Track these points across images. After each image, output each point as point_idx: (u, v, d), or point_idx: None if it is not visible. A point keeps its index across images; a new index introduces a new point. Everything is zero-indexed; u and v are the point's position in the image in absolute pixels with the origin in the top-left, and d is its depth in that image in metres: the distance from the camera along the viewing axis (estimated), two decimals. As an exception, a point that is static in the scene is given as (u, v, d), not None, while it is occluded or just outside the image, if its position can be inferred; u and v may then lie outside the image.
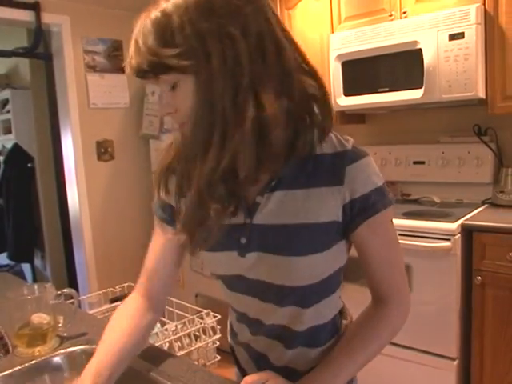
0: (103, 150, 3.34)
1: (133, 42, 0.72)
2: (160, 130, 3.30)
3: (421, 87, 2.24)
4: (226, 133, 0.68)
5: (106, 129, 3.35)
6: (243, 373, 0.98)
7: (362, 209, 0.76)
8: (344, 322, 0.92)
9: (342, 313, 0.93)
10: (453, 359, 2.06)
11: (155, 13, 0.69)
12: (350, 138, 0.80)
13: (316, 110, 0.75)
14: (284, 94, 0.71)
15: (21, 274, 4.38)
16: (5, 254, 4.30)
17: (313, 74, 0.76)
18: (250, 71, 0.68)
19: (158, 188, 0.85)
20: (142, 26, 0.70)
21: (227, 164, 0.69)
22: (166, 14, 0.68)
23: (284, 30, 0.73)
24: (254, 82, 0.68)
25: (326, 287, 0.85)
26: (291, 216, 0.77)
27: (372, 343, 0.83)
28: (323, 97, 0.76)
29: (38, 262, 4.29)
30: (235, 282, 0.87)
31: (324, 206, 0.76)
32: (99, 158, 3.33)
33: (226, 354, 1.66)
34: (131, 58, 0.72)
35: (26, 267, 4.46)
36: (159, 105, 0.77)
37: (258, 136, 0.69)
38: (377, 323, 0.84)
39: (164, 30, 0.68)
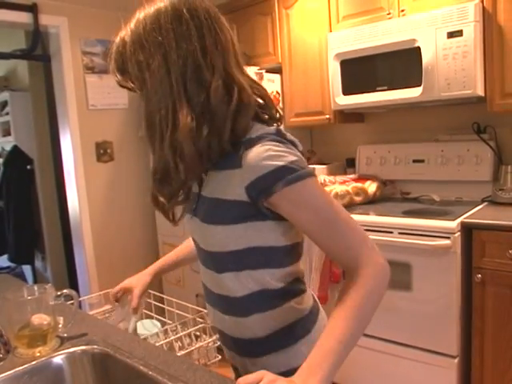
0: (102, 151, 3.34)
1: (111, 57, 0.92)
2: (159, 131, 3.30)
3: (419, 85, 2.25)
4: (162, 138, 0.87)
5: (105, 130, 3.35)
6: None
7: (261, 189, 0.84)
8: (297, 305, 0.98)
9: (295, 294, 0.98)
10: (453, 357, 2.06)
11: (117, 40, 0.91)
12: (269, 128, 0.91)
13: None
14: (205, 110, 0.86)
15: (22, 276, 4.39)
16: (5, 257, 4.31)
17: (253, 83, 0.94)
18: (171, 94, 0.86)
19: None
20: (114, 46, 0.91)
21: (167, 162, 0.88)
22: (123, 44, 0.89)
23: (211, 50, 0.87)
24: (174, 103, 0.86)
25: (243, 259, 0.92)
26: (212, 191, 0.93)
27: (352, 316, 0.81)
28: (267, 101, 0.96)
29: (38, 263, 4.29)
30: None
31: (230, 185, 0.89)
32: (98, 160, 3.32)
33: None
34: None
35: (26, 269, 4.46)
36: None
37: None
38: (350, 294, 0.83)
39: (118, 58, 0.91)
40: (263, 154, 0.84)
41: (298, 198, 0.84)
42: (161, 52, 0.85)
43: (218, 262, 0.96)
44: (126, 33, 0.89)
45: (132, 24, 0.89)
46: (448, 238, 2.00)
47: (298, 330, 0.97)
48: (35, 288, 1.00)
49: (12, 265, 4.49)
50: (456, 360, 2.06)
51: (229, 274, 0.94)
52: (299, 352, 0.96)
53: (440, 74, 2.19)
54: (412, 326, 2.15)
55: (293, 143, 0.91)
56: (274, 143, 0.86)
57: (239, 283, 0.94)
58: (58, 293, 1.00)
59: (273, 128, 0.91)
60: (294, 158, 0.84)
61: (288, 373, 0.81)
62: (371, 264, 0.84)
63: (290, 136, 0.92)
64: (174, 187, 0.91)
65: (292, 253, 0.96)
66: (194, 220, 0.98)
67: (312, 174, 0.86)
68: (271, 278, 0.94)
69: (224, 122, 0.87)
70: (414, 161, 2.70)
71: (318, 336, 0.83)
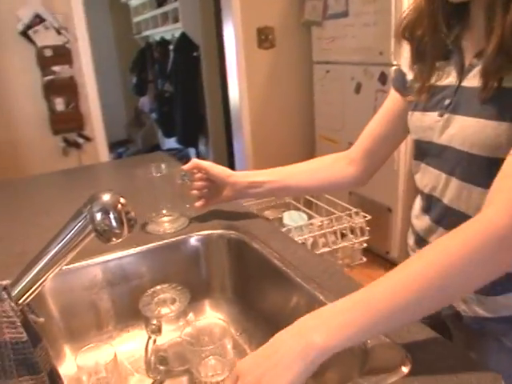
0: (264, 37, 3.22)
1: None
2: (323, 16, 3.04)
3: None
4: None
5: (267, 14, 3.20)
6: None
7: None
8: None
9: None
10: None
11: None
12: None
13: None
14: None
15: (187, 158, 4.72)
16: (174, 139, 4.66)
17: None
18: None
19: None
20: None
21: None
22: None
23: None
24: None
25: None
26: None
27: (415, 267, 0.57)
28: None
29: (202, 147, 4.55)
30: (425, 149, 0.81)
31: None
32: (259, 46, 3.23)
33: (373, 255, 1.55)
34: None
35: (191, 151, 4.78)
36: None
37: None
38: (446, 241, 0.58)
39: None
40: None
41: None
42: None
43: (480, 170, 0.70)
44: None
45: None
46: None
47: None
48: (162, 166, 0.96)
49: (180, 147, 4.84)
50: None
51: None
52: None
53: None
54: None
55: None
56: None
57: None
58: (183, 173, 0.95)
59: None
60: None
61: None
62: (489, 219, 0.57)
63: None
64: None
65: None
66: (444, 119, 0.75)
67: None
68: None
69: None
70: None
71: None
